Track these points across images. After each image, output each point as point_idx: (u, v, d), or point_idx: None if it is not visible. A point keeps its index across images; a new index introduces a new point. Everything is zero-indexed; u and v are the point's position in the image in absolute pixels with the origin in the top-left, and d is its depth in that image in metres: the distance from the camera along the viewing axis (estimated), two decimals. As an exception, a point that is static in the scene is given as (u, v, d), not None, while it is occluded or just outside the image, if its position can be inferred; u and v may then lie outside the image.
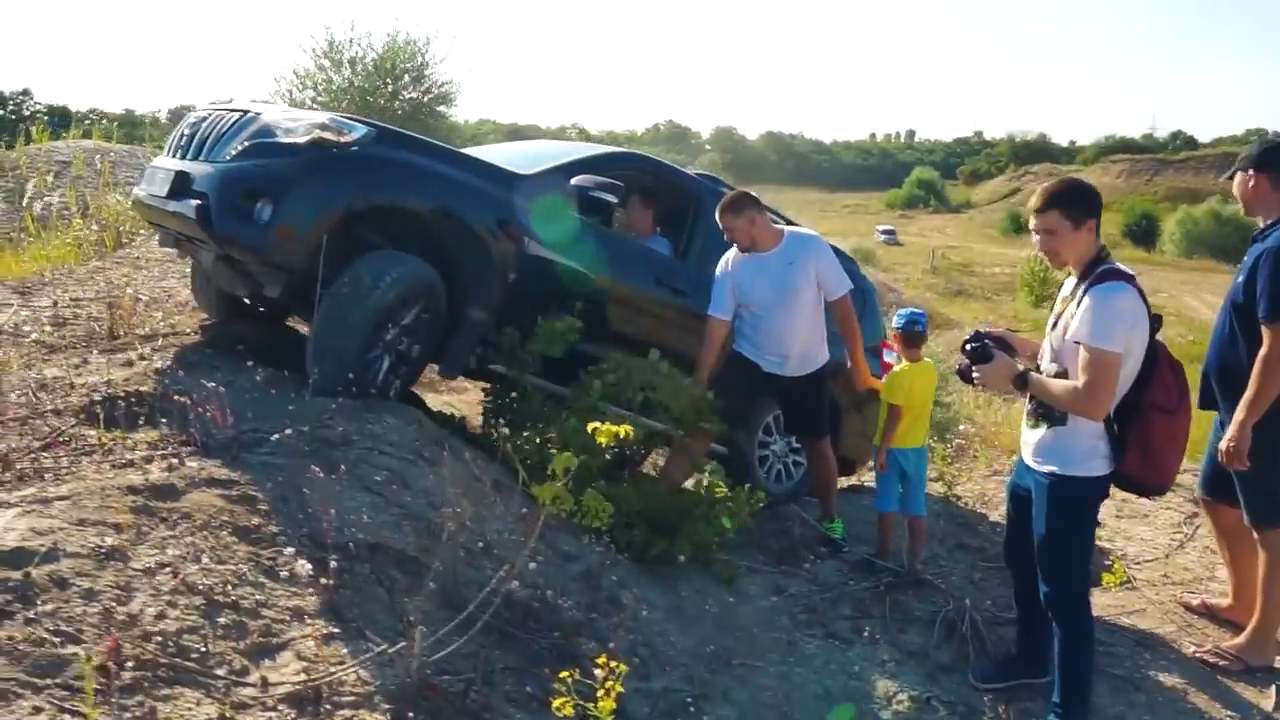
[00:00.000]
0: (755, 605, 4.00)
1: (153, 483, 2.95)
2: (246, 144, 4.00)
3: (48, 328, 4.82)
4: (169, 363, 4.22)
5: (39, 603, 2.31)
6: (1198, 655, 3.97)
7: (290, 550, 2.88)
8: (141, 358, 4.30)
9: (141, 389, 3.86)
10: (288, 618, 2.66)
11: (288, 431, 3.43)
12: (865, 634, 3.87)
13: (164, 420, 3.58)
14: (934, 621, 3.95)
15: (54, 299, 5.42)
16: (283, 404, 3.85)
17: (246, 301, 4.61)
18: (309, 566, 2.61)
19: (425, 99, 16.53)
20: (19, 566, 2.38)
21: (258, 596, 2.68)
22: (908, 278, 41.01)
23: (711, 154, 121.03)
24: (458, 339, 4.45)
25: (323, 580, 2.73)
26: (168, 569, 2.61)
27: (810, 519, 5.03)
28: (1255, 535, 3.83)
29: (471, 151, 5.27)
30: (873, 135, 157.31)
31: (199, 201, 3.92)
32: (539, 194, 4.56)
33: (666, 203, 5.60)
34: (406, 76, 16.30)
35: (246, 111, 4.20)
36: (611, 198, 4.58)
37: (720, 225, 4.72)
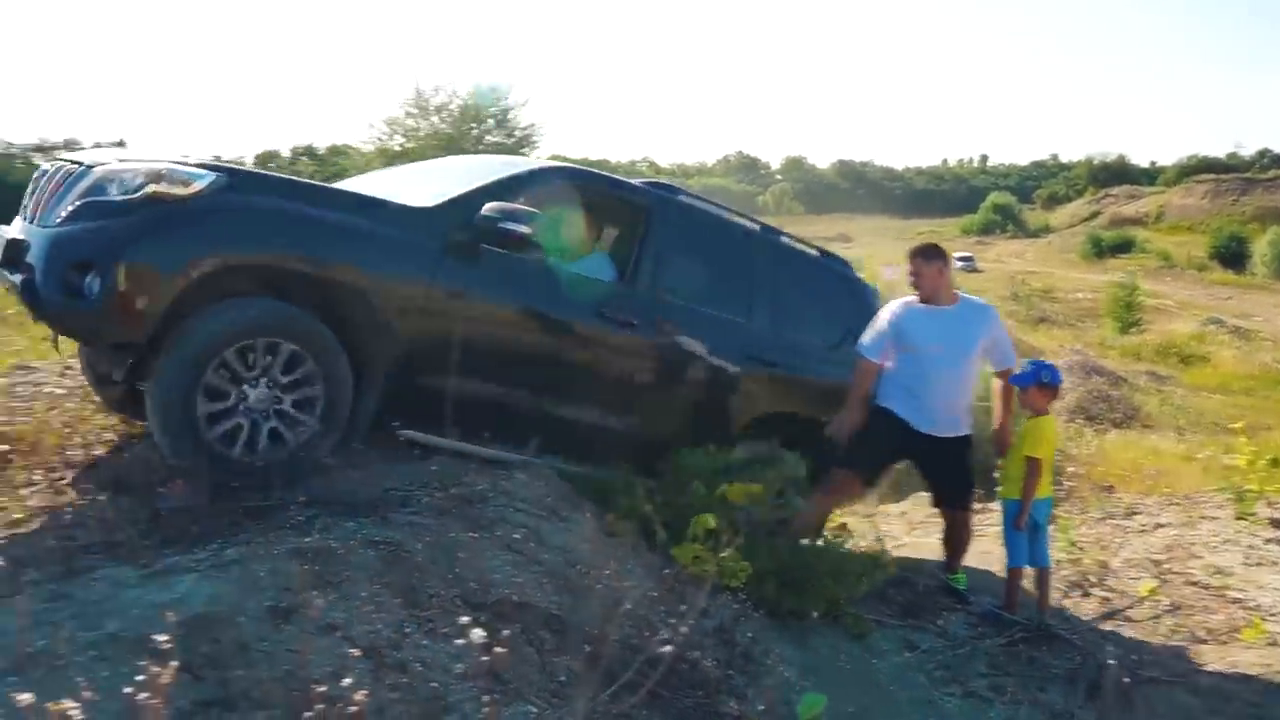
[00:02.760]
0: (889, 661, 3.97)
1: (313, 545, 3.06)
2: (77, 204, 3.48)
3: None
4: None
5: (228, 667, 2.41)
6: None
7: (446, 611, 2.96)
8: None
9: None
10: (451, 679, 2.73)
11: (436, 493, 3.53)
12: (1006, 693, 3.82)
13: (310, 480, 3.70)
14: (1073, 678, 3.89)
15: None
16: (420, 461, 3.95)
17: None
18: (477, 631, 2.67)
19: (509, 142, 16.86)
20: (207, 631, 2.50)
21: (422, 657, 2.75)
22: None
23: (782, 184, 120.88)
24: (358, 402, 3.91)
25: (485, 641, 2.79)
26: (338, 632, 2.70)
27: (935, 570, 4.99)
28: None
29: (370, 181, 4.98)
30: (945, 160, 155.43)
31: (24, 276, 3.45)
32: (439, 230, 4.05)
33: (608, 217, 5.18)
34: (491, 121, 16.67)
35: (81, 164, 3.69)
36: (524, 228, 4.05)
37: (909, 267, 4.72)
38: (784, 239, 5.58)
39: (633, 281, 4.71)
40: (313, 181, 4.24)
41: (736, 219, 5.37)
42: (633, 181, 5.17)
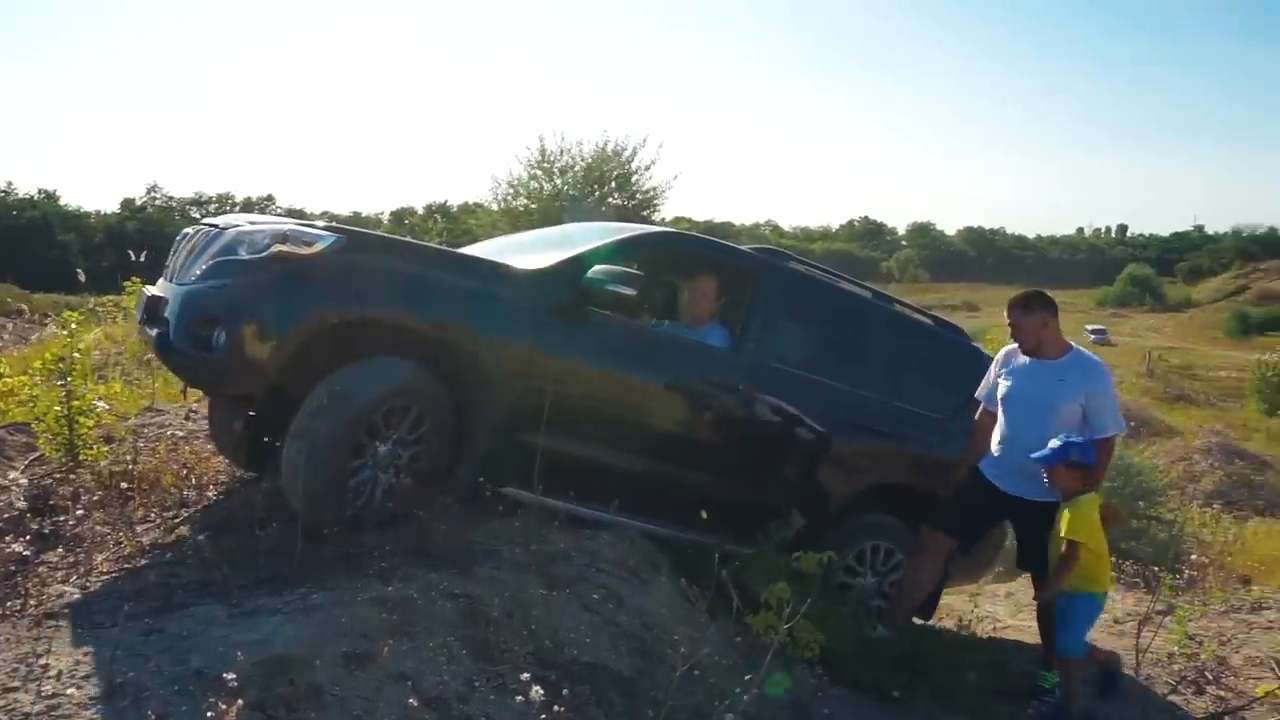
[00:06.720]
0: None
1: (394, 595, 3.15)
2: (209, 263, 3.70)
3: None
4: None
5: (300, 709, 2.50)
6: None
7: (517, 667, 3.00)
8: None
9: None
10: (515, 736, 2.76)
11: (519, 549, 3.59)
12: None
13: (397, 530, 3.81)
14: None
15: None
16: (506, 517, 4.02)
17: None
18: (536, 689, 2.71)
19: (630, 204, 17.19)
20: (284, 673, 2.60)
21: (488, 712, 2.79)
22: (1120, 380, 38.57)
23: (907, 250, 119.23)
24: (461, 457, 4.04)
25: (545, 700, 2.82)
26: (409, 682, 2.77)
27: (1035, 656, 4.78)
28: None
29: (493, 246, 5.11)
30: (1081, 230, 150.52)
31: (159, 330, 3.68)
32: (547, 291, 4.15)
33: (722, 284, 5.03)
34: (613, 183, 17.05)
35: (216, 226, 3.94)
36: (629, 290, 4.09)
37: (1008, 319, 4.56)
38: (896, 306, 5.51)
39: (740, 348, 4.73)
40: (426, 243, 4.44)
41: (847, 286, 5.34)
42: (741, 248, 5.21)
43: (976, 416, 4.81)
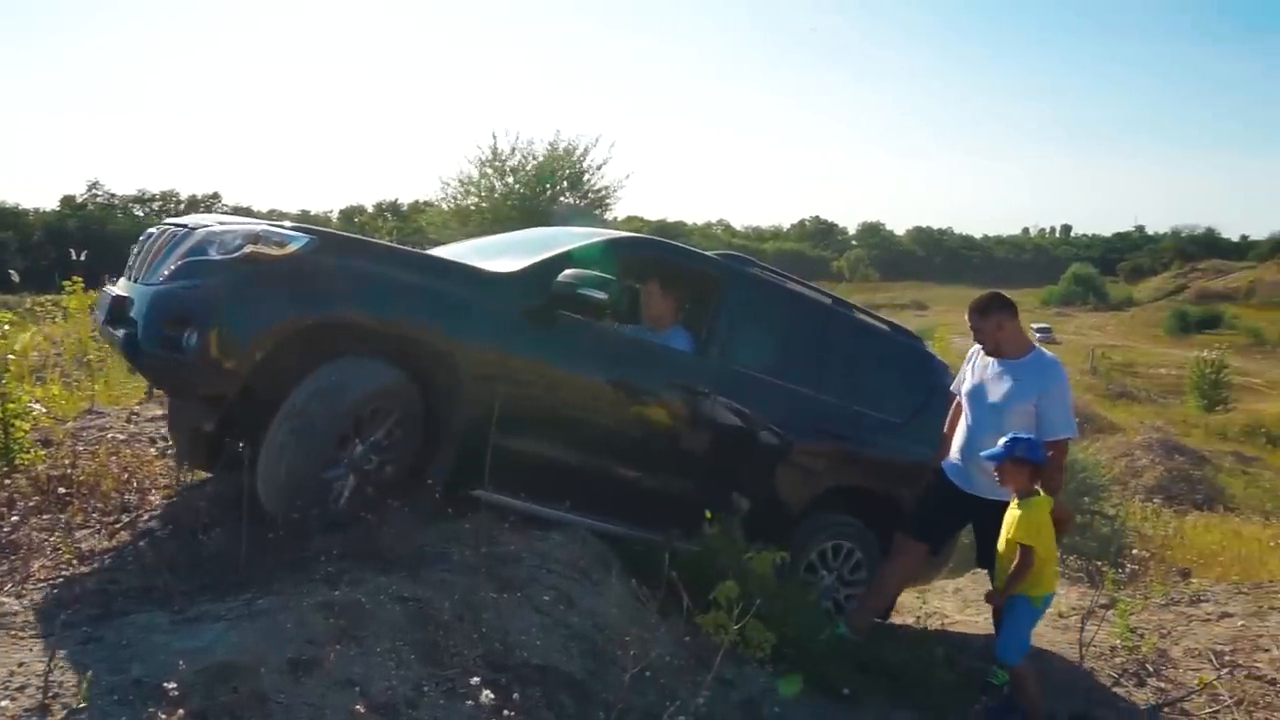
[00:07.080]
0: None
1: (341, 599, 3.11)
2: (178, 263, 3.64)
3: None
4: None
5: (244, 718, 2.46)
6: None
7: (467, 671, 2.98)
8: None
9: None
10: (465, 741, 2.74)
11: (469, 551, 3.56)
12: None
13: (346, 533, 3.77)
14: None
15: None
16: (456, 519, 3.98)
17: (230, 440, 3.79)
18: (486, 692, 2.69)
19: (581, 204, 17.15)
20: (228, 680, 2.55)
21: (436, 716, 2.76)
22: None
23: (857, 250, 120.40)
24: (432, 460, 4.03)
25: (495, 703, 2.80)
26: (356, 688, 2.73)
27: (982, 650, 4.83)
28: None
29: (460, 249, 5.16)
30: (1026, 230, 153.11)
31: (126, 330, 3.64)
32: (518, 295, 4.16)
33: (687, 289, 5.05)
34: (565, 183, 16.99)
35: (185, 226, 3.89)
36: (601, 294, 4.09)
37: (968, 324, 4.61)
38: (855, 313, 5.58)
39: (705, 352, 4.78)
40: (398, 245, 4.41)
41: (808, 291, 5.40)
42: (706, 253, 5.25)
43: (950, 411, 4.90)
